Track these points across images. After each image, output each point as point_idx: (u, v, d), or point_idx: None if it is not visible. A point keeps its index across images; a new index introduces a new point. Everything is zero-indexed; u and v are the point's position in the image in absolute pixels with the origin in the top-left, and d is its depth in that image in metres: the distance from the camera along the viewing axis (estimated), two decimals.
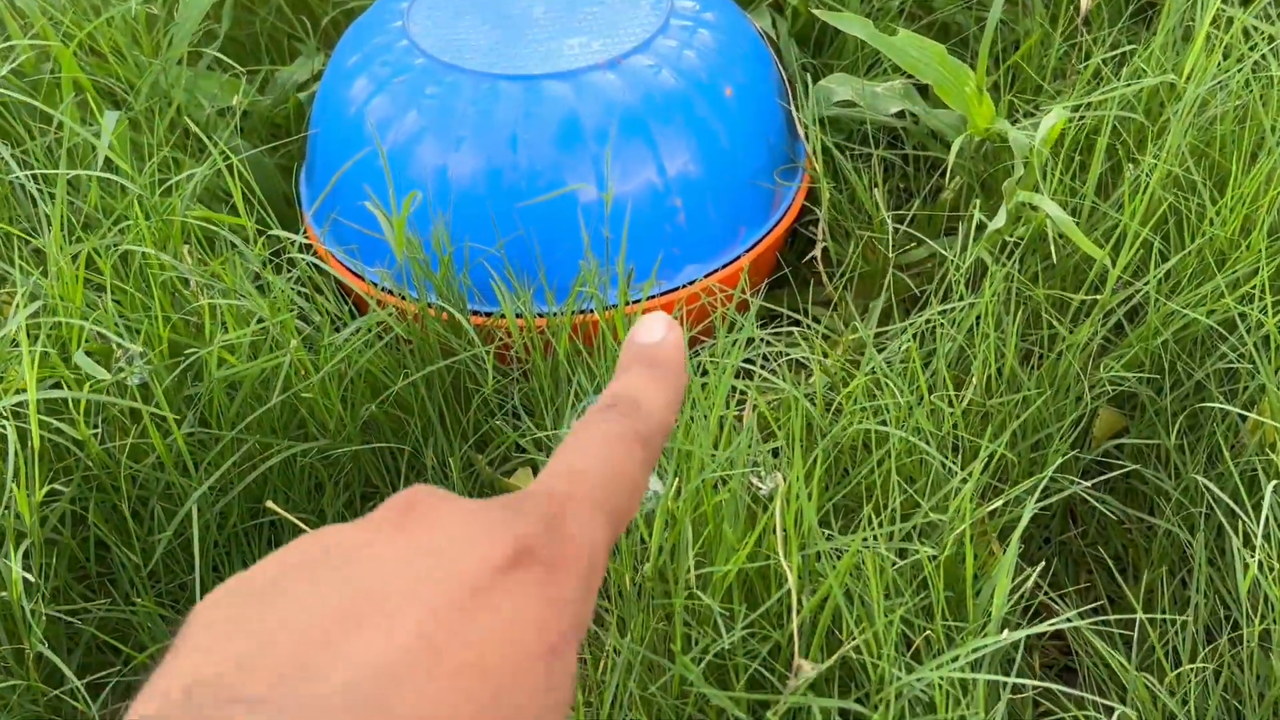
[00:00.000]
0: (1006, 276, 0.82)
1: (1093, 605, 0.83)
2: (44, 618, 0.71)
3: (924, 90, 1.04)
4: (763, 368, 0.89)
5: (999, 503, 0.74)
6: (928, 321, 0.84)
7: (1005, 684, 0.68)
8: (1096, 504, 0.82)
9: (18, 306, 0.74)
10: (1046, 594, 0.82)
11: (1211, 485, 0.74)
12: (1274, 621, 0.69)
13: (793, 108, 1.03)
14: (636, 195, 0.94)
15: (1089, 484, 0.81)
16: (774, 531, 0.67)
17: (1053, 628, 0.66)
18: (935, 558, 0.68)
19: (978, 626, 0.67)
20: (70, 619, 0.77)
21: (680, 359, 0.33)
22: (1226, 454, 0.77)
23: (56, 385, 0.77)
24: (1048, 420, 0.82)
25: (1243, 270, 0.82)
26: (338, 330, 0.85)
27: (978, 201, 0.88)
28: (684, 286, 0.96)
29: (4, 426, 0.73)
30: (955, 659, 0.62)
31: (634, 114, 0.93)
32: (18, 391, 0.74)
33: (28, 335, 0.76)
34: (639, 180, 0.94)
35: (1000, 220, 0.86)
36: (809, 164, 1.01)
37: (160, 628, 0.78)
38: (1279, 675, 0.69)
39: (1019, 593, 0.73)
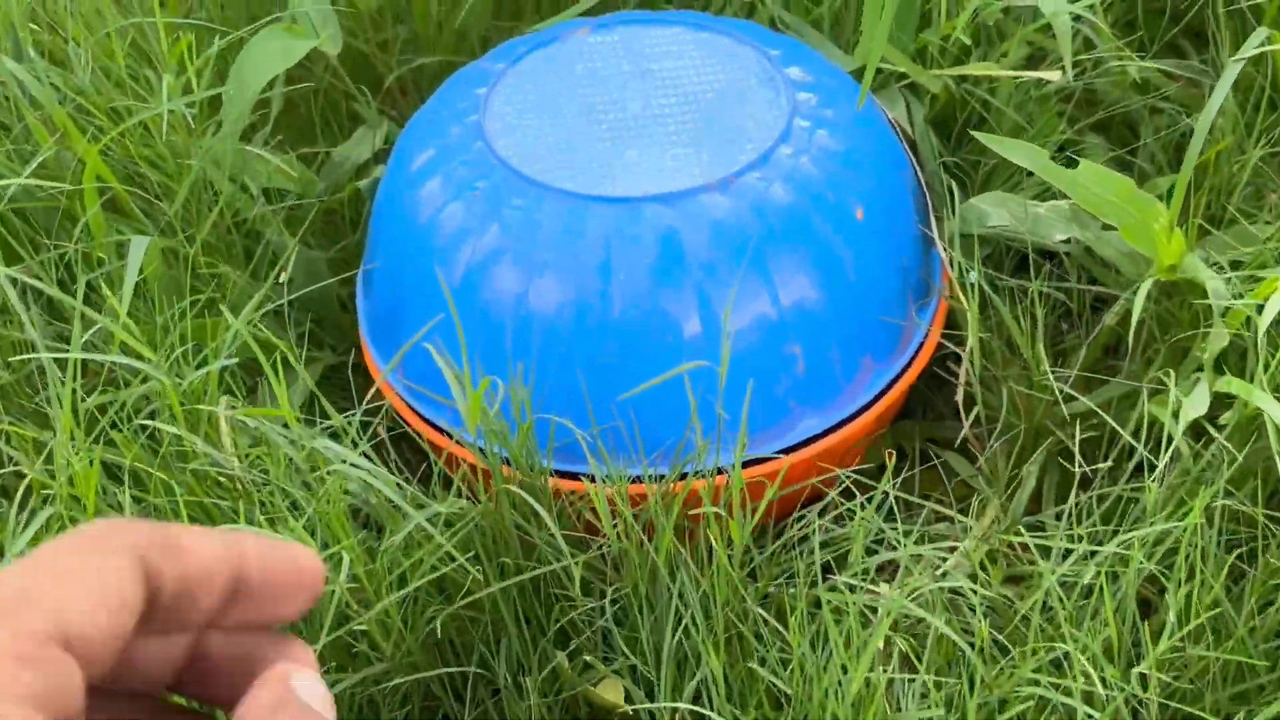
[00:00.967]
0: (1214, 492, 0.67)
1: None
2: None
3: None
4: (893, 546, 0.75)
5: None
6: (1114, 533, 0.69)
7: None
8: None
9: (25, 521, 0.62)
10: None
11: None
12: None
13: (932, 225, 0.87)
14: (748, 336, 0.79)
15: None
16: None
17: None
18: None
19: None
20: None
21: None
22: None
23: None
24: (1259, 668, 0.67)
25: None
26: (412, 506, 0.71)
27: (1169, 379, 0.72)
28: (804, 444, 0.81)
29: None
30: None
31: (745, 241, 0.78)
32: None
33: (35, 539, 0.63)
34: (749, 316, 0.80)
35: (1199, 405, 0.71)
36: (950, 292, 0.85)
37: None
38: None
39: None
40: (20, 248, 0.83)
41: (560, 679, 0.74)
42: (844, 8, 0.99)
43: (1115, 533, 0.69)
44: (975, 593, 0.67)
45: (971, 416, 0.79)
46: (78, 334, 0.67)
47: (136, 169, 0.86)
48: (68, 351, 0.67)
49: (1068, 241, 0.84)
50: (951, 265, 0.83)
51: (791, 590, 0.72)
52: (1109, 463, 0.77)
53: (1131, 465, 0.76)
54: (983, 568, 0.73)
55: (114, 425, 0.71)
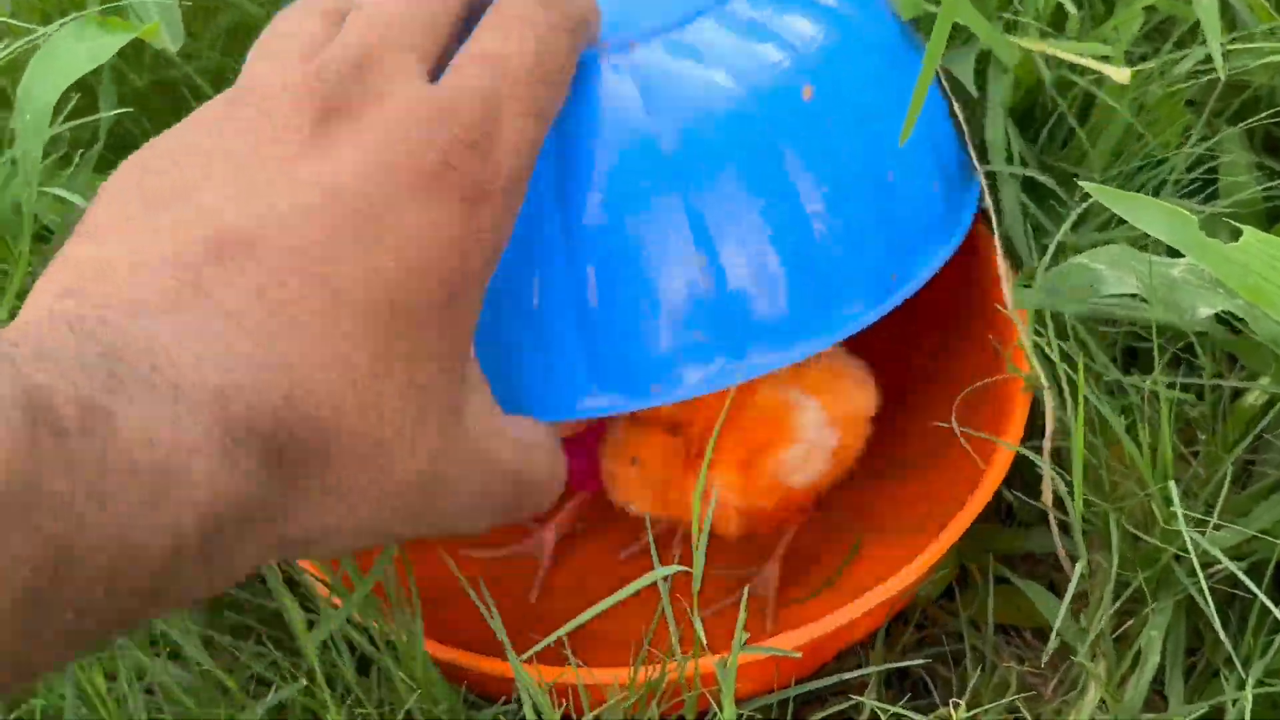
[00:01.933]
0: None
1: None
2: None
3: None
4: None
5: None
6: None
7: None
8: None
9: None
10: None
11: None
12: None
13: (997, 249, 0.61)
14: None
15: None
16: None
17: None
18: None
19: None
20: None
21: None
22: None
23: None
24: None
25: None
26: None
27: None
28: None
29: None
30: None
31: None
32: None
33: None
34: None
35: None
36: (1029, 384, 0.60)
37: None
38: None
39: None
40: None
41: None
42: None
43: None
44: None
45: (1073, 583, 0.55)
46: None
47: None
48: None
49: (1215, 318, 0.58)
50: (1036, 358, 0.57)
51: None
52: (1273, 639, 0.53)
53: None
54: None
55: None
